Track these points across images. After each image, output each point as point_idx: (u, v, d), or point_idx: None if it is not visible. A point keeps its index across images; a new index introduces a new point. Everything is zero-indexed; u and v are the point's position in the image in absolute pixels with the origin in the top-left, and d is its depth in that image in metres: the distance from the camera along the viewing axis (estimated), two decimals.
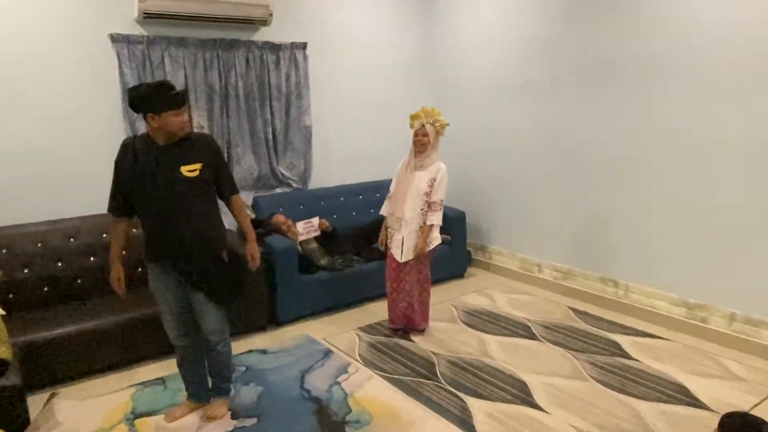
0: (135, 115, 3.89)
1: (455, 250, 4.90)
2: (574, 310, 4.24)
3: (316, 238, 4.31)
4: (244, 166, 4.50)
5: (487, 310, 4.30)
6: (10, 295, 3.41)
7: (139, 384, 3.24)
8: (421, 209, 3.53)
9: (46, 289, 3.50)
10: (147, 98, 2.43)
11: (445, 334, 3.86)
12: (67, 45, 3.68)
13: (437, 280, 4.87)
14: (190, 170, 2.53)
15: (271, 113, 4.54)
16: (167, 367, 3.45)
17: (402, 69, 5.35)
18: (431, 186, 3.51)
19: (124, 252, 2.80)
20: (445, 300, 4.52)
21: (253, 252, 2.84)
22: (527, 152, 4.74)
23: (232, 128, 4.37)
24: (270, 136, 4.55)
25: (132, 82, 3.85)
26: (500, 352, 3.59)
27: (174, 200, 2.51)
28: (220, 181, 2.67)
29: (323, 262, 4.23)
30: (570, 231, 4.49)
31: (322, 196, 4.80)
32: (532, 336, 3.81)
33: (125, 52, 3.80)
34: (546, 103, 4.51)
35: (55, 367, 3.17)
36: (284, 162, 4.71)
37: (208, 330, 2.72)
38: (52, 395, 3.10)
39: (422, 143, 3.53)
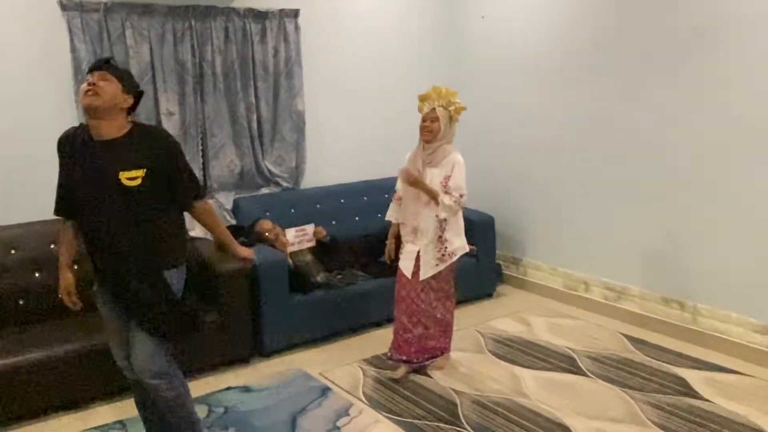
0: None
1: (482, 264, 4.89)
2: (630, 338, 4.21)
3: (310, 249, 4.32)
4: (224, 161, 4.52)
5: (521, 337, 4.27)
6: None
7: (94, 428, 3.24)
8: (437, 215, 3.52)
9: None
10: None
11: (469, 368, 3.84)
12: (7, 14, 3.71)
13: (459, 301, 4.85)
14: (130, 177, 2.47)
15: (256, 96, 4.56)
16: (129, 407, 3.44)
17: (415, 43, 5.37)
18: (446, 185, 3.50)
19: (76, 266, 2.81)
20: (469, 325, 4.50)
21: (239, 253, 2.84)
22: (572, 145, 4.73)
23: (208, 115, 4.40)
24: (254, 125, 4.57)
25: (87, 59, 3.87)
26: (537, 389, 3.56)
27: (108, 212, 2.48)
28: (175, 188, 2.59)
29: (319, 278, 4.23)
30: (625, 241, 4.48)
31: (318, 198, 4.81)
32: (576, 370, 3.78)
33: (77, 23, 3.83)
34: (597, 87, 4.51)
35: (19, 400, 3.20)
36: (271, 156, 4.73)
37: (138, 367, 2.62)
38: None
39: (430, 130, 3.51)
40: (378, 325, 4.50)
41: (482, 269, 4.92)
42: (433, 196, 3.48)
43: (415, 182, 3.51)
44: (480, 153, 5.45)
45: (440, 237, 3.54)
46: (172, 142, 2.60)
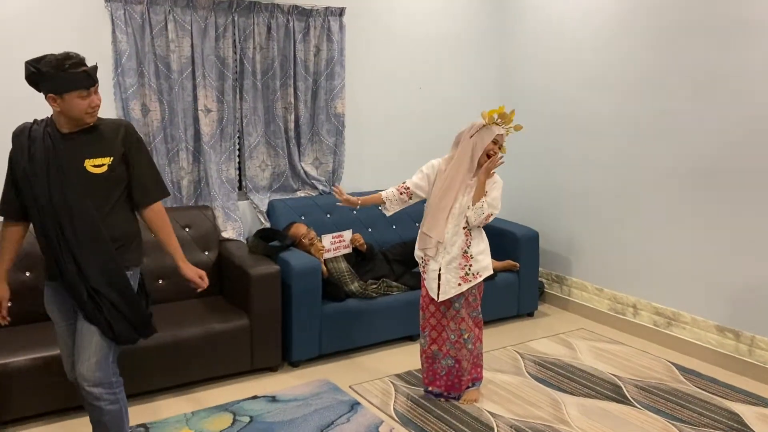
0: (128, 91, 3.98)
1: (524, 281, 4.83)
2: (680, 368, 4.12)
3: (345, 256, 4.30)
4: (257, 161, 4.54)
5: (564, 361, 4.20)
6: None
7: None
8: (464, 228, 3.42)
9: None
10: (46, 74, 2.41)
11: (507, 391, 3.78)
12: (53, 5, 3.79)
13: (497, 319, 4.82)
14: (95, 165, 2.52)
15: (295, 96, 4.58)
16: (155, 409, 3.48)
17: (464, 50, 5.35)
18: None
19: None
20: (508, 345, 4.44)
21: (184, 272, 2.78)
22: (627, 162, 4.64)
23: (245, 114, 4.43)
24: (291, 125, 4.60)
25: (128, 51, 3.93)
26: (580, 418, 3.49)
27: (70, 202, 2.49)
28: (133, 180, 2.63)
29: (353, 287, 4.21)
30: (679, 264, 4.38)
31: None
32: (622, 399, 3.70)
33: (121, 15, 3.90)
34: (657, 101, 4.43)
35: (16, 401, 3.22)
36: (308, 158, 4.74)
37: (81, 372, 2.57)
38: None
39: (497, 154, 3.43)
40: (411, 339, 4.46)
41: (524, 286, 4.85)
42: (479, 195, 3.39)
43: (487, 171, 3.42)
44: (527, 166, 5.41)
45: (465, 253, 3.41)
46: (135, 132, 2.67)
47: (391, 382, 3.85)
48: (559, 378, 3.96)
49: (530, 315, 5.02)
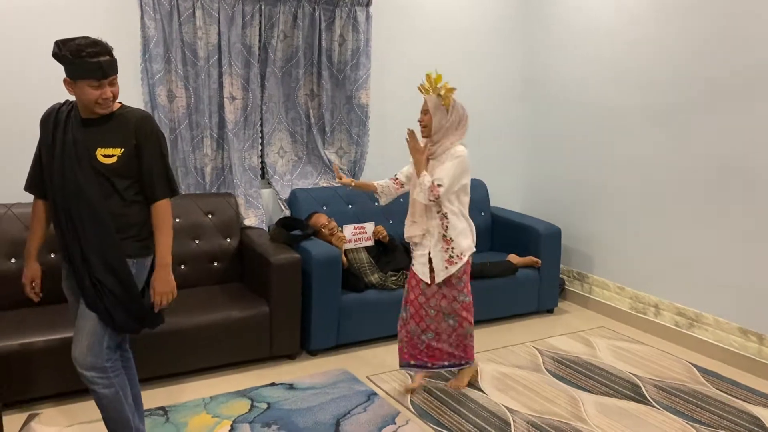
0: (155, 77, 4.02)
1: (544, 277, 4.83)
2: (701, 369, 4.09)
3: (366, 248, 4.32)
4: (274, 147, 4.59)
5: (583, 359, 4.19)
6: None
7: None
8: (438, 212, 3.39)
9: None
10: (64, 58, 2.43)
11: (525, 387, 3.79)
12: None
13: (517, 315, 4.81)
14: (106, 155, 2.53)
15: (318, 85, 4.60)
16: (174, 393, 3.53)
17: (490, 36, 5.34)
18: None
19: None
20: (527, 341, 4.44)
21: (153, 284, 2.66)
22: (652, 160, 4.61)
23: (265, 101, 4.46)
24: (312, 114, 4.62)
25: (155, 37, 3.98)
26: (598, 416, 3.49)
27: (79, 186, 2.51)
28: (142, 174, 2.60)
29: (373, 278, 4.23)
30: (703, 265, 4.35)
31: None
32: (641, 398, 3.69)
33: (149, 1, 3.94)
34: (686, 100, 4.39)
35: (34, 382, 3.29)
36: (332, 147, 4.76)
37: (75, 356, 2.61)
38: (30, 417, 3.21)
39: (425, 125, 3.39)
40: None
41: (545, 283, 4.84)
42: (419, 171, 3.35)
43: (415, 149, 3.38)
44: (551, 161, 5.39)
45: (444, 237, 3.41)
46: (152, 126, 2.62)
47: (408, 374, 3.87)
48: (577, 375, 3.95)
49: (550, 312, 5.01)
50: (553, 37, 5.30)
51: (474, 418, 3.41)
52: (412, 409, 3.47)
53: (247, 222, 4.39)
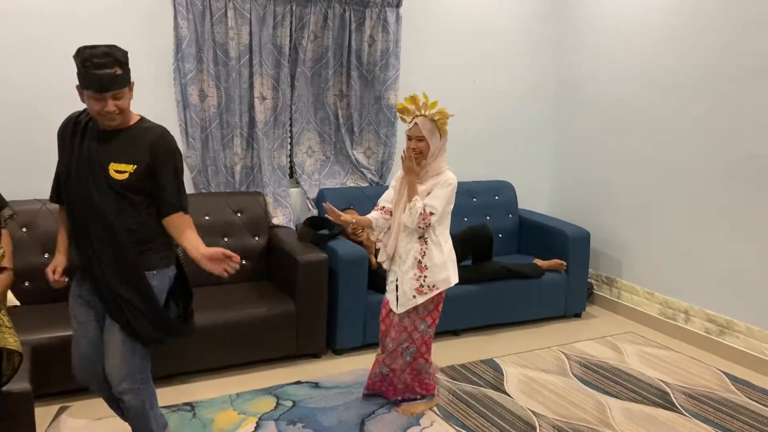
0: (187, 76, 4.08)
1: (572, 281, 4.79)
2: (731, 377, 4.03)
3: None
4: (303, 147, 4.62)
5: (610, 364, 4.16)
6: (26, 283, 3.64)
7: (164, 407, 3.36)
8: (420, 237, 3.21)
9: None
10: (76, 64, 2.37)
11: (551, 391, 3.76)
12: None
13: (543, 318, 4.78)
14: (118, 170, 2.47)
15: (348, 85, 4.62)
16: (201, 389, 3.57)
17: (520, 38, 5.31)
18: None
19: None
20: (553, 345, 4.41)
21: (212, 269, 2.51)
22: (684, 162, 4.55)
23: (295, 101, 4.50)
24: (341, 114, 4.65)
25: (188, 37, 4.03)
26: (625, 422, 3.45)
27: (93, 199, 2.47)
28: (157, 192, 2.53)
29: None
30: (735, 271, 4.28)
31: None
32: (669, 405, 3.64)
33: (183, 1, 3.99)
34: (719, 100, 4.32)
35: (66, 375, 3.33)
36: (361, 147, 4.78)
37: (108, 370, 2.60)
38: (62, 409, 3.27)
39: (420, 151, 3.15)
40: (455, 334, 4.48)
41: (572, 287, 4.80)
42: (411, 196, 3.16)
43: (411, 171, 3.15)
44: (580, 163, 5.35)
45: (419, 263, 3.19)
46: (167, 142, 2.54)
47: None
48: (604, 381, 3.91)
49: (577, 316, 4.97)
50: (583, 37, 5.25)
51: (499, 421, 3.40)
52: (437, 412, 3.47)
53: (275, 221, 4.42)
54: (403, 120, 3.25)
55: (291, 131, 4.59)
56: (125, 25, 3.96)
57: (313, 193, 4.63)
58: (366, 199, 4.68)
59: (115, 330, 2.56)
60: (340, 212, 3.27)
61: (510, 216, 5.19)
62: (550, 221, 5.06)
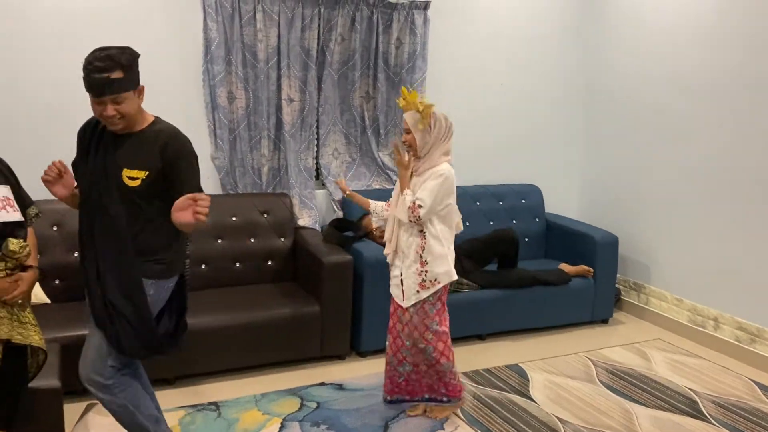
0: (216, 78, 4.12)
1: (600, 287, 4.74)
2: (762, 387, 3.97)
3: None
4: (329, 149, 4.65)
5: (638, 371, 4.11)
6: (56, 281, 3.70)
7: (190, 406, 3.39)
8: (420, 231, 3.19)
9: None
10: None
11: (577, 397, 3.73)
12: None
13: (569, 324, 4.73)
14: (130, 177, 2.41)
15: (374, 87, 4.63)
16: (226, 389, 3.60)
17: (549, 46, 5.28)
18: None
19: None
20: (580, 351, 4.37)
21: (175, 206, 2.32)
22: (717, 166, 4.47)
23: (321, 102, 4.52)
24: (367, 116, 4.66)
25: (217, 39, 4.07)
26: (652, 430, 3.41)
27: (104, 204, 2.44)
28: (178, 190, 2.40)
29: None
30: (767, 278, 4.19)
31: None
32: (698, 414, 3.59)
33: (212, 3, 4.03)
34: (756, 101, 4.24)
35: None
36: (387, 149, 4.78)
37: (80, 370, 2.57)
38: (89, 406, 3.32)
39: (410, 144, 3.18)
40: (480, 338, 4.46)
41: (600, 292, 4.75)
42: (403, 188, 3.19)
43: (400, 164, 3.21)
44: (610, 167, 5.30)
45: (420, 258, 3.18)
46: (181, 145, 2.47)
47: None
48: (632, 388, 3.87)
49: (605, 322, 4.91)
50: (614, 38, 5.19)
51: (524, 427, 3.38)
52: (462, 416, 3.45)
53: (300, 222, 4.44)
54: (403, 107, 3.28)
55: (317, 133, 4.61)
56: (155, 28, 4.01)
57: (338, 195, 4.64)
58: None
59: (97, 332, 2.53)
60: (347, 187, 3.61)
61: (537, 220, 5.15)
62: (578, 226, 5.01)
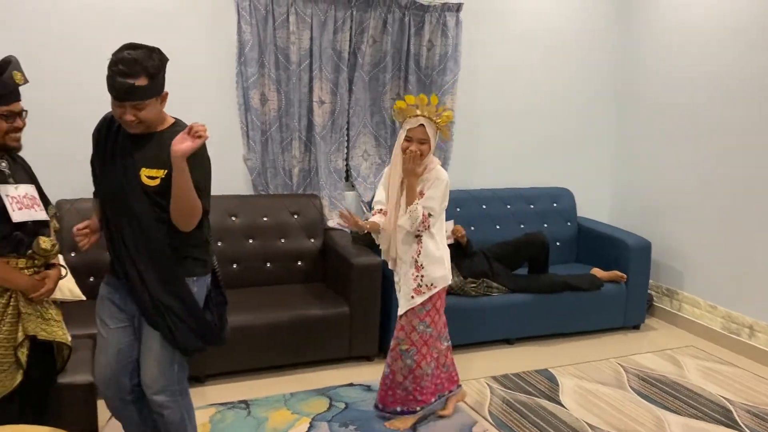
0: (249, 80, 4.16)
1: (632, 292, 4.68)
2: None
3: None
4: (359, 150, 4.68)
5: (670, 379, 4.05)
6: (91, 279, 3.77)
7: (220, 404, 3.44)
8: (416, 236, 3.16)
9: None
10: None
11: (608, 404, 3.69)
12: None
13: (601, 329, 4.69)
14: (150, 176, 2.38)
15: (405, 89, 4.64)
16: (255, 387, 3.64)
17: (582, 49, 5.23)
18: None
19: None
20: (611, 357, 4.32)
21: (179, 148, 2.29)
22: (752, 170, 4.39)
23: (352, 104, 4.55)
24: None
25: (251, 42, 4.12)
26: None
27: (129, 204, 2.39)
28: None
29: (452, 282, 4.20)
30: None
31: (460, 201, 4.79)
32: (731, 423, 3.53)
33: (246, 6, 4.08)
34: None
35: None
36: None
37: (146, 380, 2.54)
38: None
39: (420, 153, 3.07)
40: (509, 342, 4.43)
41: (632, 298, 4.69)
42: (411, 199, 3.10)
43: (413, 173, 3.08)
44: (642, 170, 5.23)
45: (416, 263, 3.15)
46: (198, 151, 2.35)
47: (487, 384, 3.84)
48: (663, 395, 3.81)
49: (636, 328, 4.85)
50: (644, 37, 5.13)
51: (552, 431, 3.36)
52: (490, 420, 3.45)
53: (330, 223, 4.47)
54: (397, 119, 3.21)
55: (348, 135, 4.63)
56: (190, 30, 4.07)
57: (367, 197, 4.65)
58: None
59: (154, 337, 2.50)
60: (357, 218, 3.17)
61: (568, 224, 5.11)
62: (610, 230, 4.96)
